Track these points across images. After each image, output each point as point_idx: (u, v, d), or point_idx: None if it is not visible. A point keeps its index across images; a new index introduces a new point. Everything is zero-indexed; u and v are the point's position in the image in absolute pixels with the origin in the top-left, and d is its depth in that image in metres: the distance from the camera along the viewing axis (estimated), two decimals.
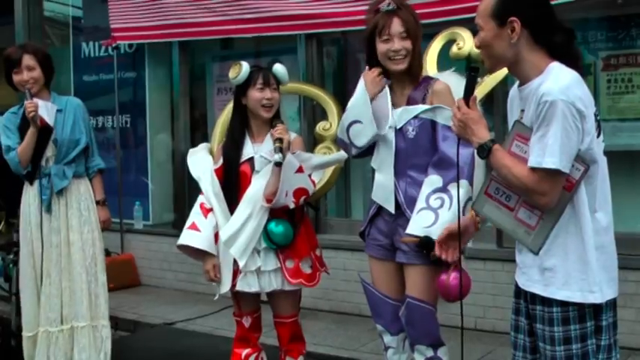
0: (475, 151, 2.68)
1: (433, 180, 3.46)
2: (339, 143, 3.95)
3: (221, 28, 6.88)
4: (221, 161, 3.98)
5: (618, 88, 5.55)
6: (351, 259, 6.29)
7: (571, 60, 2.61)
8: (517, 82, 2.74)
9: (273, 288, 3.88)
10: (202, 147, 4.31)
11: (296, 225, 3.91)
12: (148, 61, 7.81)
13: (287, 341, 4.05)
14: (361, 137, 3.63)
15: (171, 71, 7.61)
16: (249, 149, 3.92)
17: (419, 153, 3.55)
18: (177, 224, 7.29)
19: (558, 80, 2.50)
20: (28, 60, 4.66)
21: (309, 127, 6.24)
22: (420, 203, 3.46)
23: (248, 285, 3.87)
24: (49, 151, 4.69)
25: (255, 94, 3.86)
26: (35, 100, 4.58)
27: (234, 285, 3.89)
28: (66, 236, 4.73)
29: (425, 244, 3.35)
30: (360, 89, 3.61)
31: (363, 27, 5.91)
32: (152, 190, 7.86)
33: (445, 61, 4.31)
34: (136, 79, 7.93)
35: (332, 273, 6.18)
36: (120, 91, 7.85)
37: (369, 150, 3.71)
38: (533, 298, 2.65)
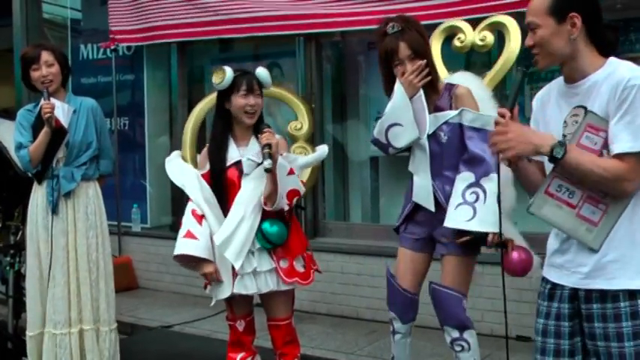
0: (548, 156, 2.54)
1: (465, 176, 3.77)
2: (373, 143, 4.08)
3: (219, 28, 6.87)
4: (208, 166, 3.96)
5: None
6: (349, 263, 6.29)
7: (618, 57, 2.63)
8: (556, 82, 2.73)
9: (270, 288, 3.86)
10: (175, 155, 4.29)
11: (288, 224, 3.91)
12: (146, 64, 7.80)
13: (281, 344, 4.02)
14: (401, 139, 3.88)
15: (169, 74, 7.60)
16: (234, 153, 3.91)
17: (453, 154, 3.86)
18: (175, 227, 7.25)
19: (634, 68, 2.51)
20: (46, 56, 4.64)
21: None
22: (457, 199, 3.76)
23: (245, 287, 3.85)
24: (60, 153, 4.66)
25: (239, 101, 3.85)
26: (53, 100, 4.57)
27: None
28: (73, 239, 4.71)
29: (477, 240, 3.73)
30: (399, 92, 3.82)
31: (362, 27, 6.05)
32: (150, 192, 7.85)
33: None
34: (135, 82, 7.92)
35: (330, 276, 6.20)
36: (118, 93, 7.84)
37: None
38: (589, 297, 2.59)
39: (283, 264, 3.86)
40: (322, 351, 5.50)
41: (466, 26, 4.37)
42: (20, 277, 5.28)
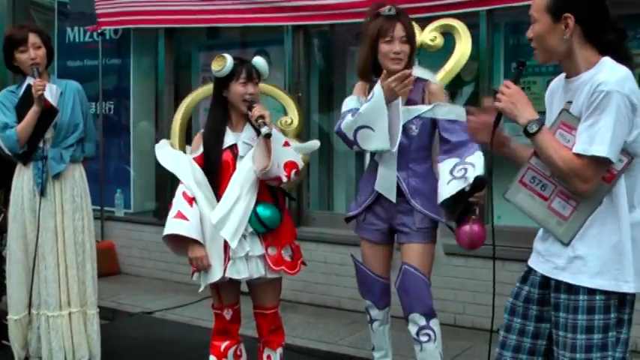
0: (523, 128, 2.67)
1: (450, 161, 3.81)
2: (338, 134, 4.05)
3: (208, 17, 6.85)
4: (200, 150, 3.96)
5: None
6: (332, 253, 6.30)
7: (622, 58, 2.66)
8: (563, 74, 2.79)
9: (260, 274, 3.86)
10: (164, 142, 4.27)
11: (281, 210, 3.93)
12: (133, 49, 7.75)
13: (267, 332, 4.04)
14: (369, 144, 3.88)
15: (156, 59, 7.56)
16: (230, 138, 3.92)
17: (419, 148, 3.97)
18: (159, 213, 7.27)
19: (614, 72, 2.56)
20: (34, 38, 4.61)
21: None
22: (446, 177, 3.77)
23: (237, 272, 3.84)
24: (48, 134, 4.63)
25: (238, 89, 3.87)
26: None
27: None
28: (61, 221, 4.69)
29: (477, 184, 3.64)
30: (377, 96, 3.78)
31: (350, 20, 6.05)
32: (134, 178, 7.82)
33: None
34: (121, 66, 7.87)
35: (312, 266, 6.20)
36: (104, 77, 7.80)
37: None
38: (558, 287, 2.68)
39: (271, 251, 3.87)
40: (304, 340, 5.51)
41: (416, 27, 4.37)
42: (1, 260, 5.24)
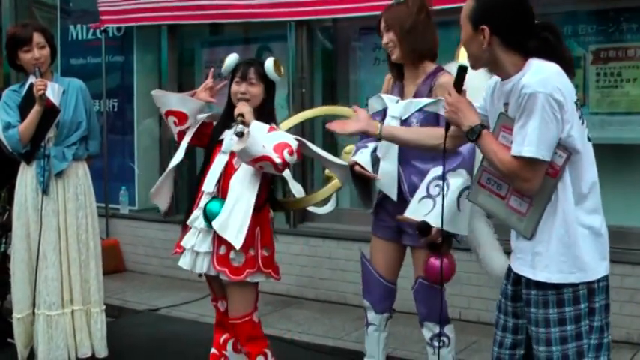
0: (465, 134, 2.78)
1: (438, 170, 3.59)
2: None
3: (210, 13, 6.84)
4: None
5: (607, 82, 5.55)
6: (337, 248, 6.29)
7: (557, 59, 2.70)
8: (500, 79, 2.83)
9: (202, 271, 3.85)
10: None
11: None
12: (136, 46, 7.75)
13: (243, 341, 3.94)
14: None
15: (159, 56, 7.56)
16: (225, 132, 3.96)
17: None
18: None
19: (537, 73, 2.61)
20: (38, 38, 4.60)
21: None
22: (421, 192, 3.67)
23: (185, 263, 3.89)
24: (51, 132, 4.63)
25: (233, 87, 3.92)
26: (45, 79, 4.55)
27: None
28: (64, 220, 4.70)
29: (423, 228, 3.57)
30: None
31: (353, 14, 6.02)
32: (138, 175, 7.82)
33: None
34: (124, 64, 7.87)
35: (318, 261, 6.21)
36: (108, 75, 7.78)
37: None
38: (528, 283, 2.73)
39: (221, 250, 3.78)
40: (309, 336, 5.51)
41: None
42: (6, 259, 5.24)
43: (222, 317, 4.05)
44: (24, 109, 4.57)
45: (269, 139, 3.70)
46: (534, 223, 2.68)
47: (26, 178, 4.70)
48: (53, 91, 4.58)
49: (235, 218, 3.74)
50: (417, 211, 3.64)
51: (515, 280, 2.81)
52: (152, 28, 7.45)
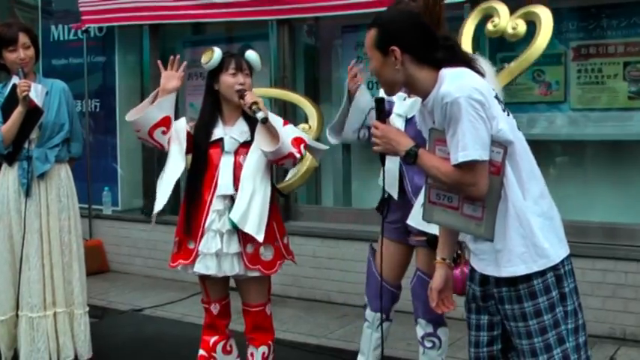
0: (403, 159, 2.82)
1: None
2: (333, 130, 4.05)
3: (192, 12, 6.83)
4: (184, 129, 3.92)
5: (588, 78, 5.58)
6: (320, 247, 6.30)
7: (463, 64, 2.77)
8: (421, 100, 2.88)
9: (236, 272, 3.81)
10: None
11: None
12: (118, 46, 7.73)
13: (250, 329, 3.98)
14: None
15: (141, 56, 7.53)
16: (219, 131, 3.88)
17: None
18: (147, 210, 7.25)
19: (452, 81, 2.67)
20: (23, 38, 4.58)
21: (279, 111, 6.20)
22: (423, 197, 3.58)
23: (206, 267, 3.79)
24: (33, 134, 4.61)
25: (228, 80, 3.84)
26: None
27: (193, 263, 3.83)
28: (46, 222, 4.68)
29: (433, 242, 3.51)
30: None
31: (335, 13, 6.03)
32: (121, 175, 7.81)
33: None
34: (106, 64, 7.85)
35: (301, 260, 6.18)
36: (89, 75, 7.77)
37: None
38: (498, 281, 2.76)
39: (249, 249, 3.80)
40: (293, 334, 5.52)
41: (504, 11, 4.15)
42: None
43: (214, 320, 4.01)
44: (6, 110, 4.55)
45: (285, 132, 3.73)
46: (492, 223, 2.71)
47: (8, 179, 4.67)
48: (36, 93, 4.56)
49: (254, 213, 3.73)
50: (416, 217, 3.59)
51: (482, 280, 2.84)
52: (134, 27, 7.43)
